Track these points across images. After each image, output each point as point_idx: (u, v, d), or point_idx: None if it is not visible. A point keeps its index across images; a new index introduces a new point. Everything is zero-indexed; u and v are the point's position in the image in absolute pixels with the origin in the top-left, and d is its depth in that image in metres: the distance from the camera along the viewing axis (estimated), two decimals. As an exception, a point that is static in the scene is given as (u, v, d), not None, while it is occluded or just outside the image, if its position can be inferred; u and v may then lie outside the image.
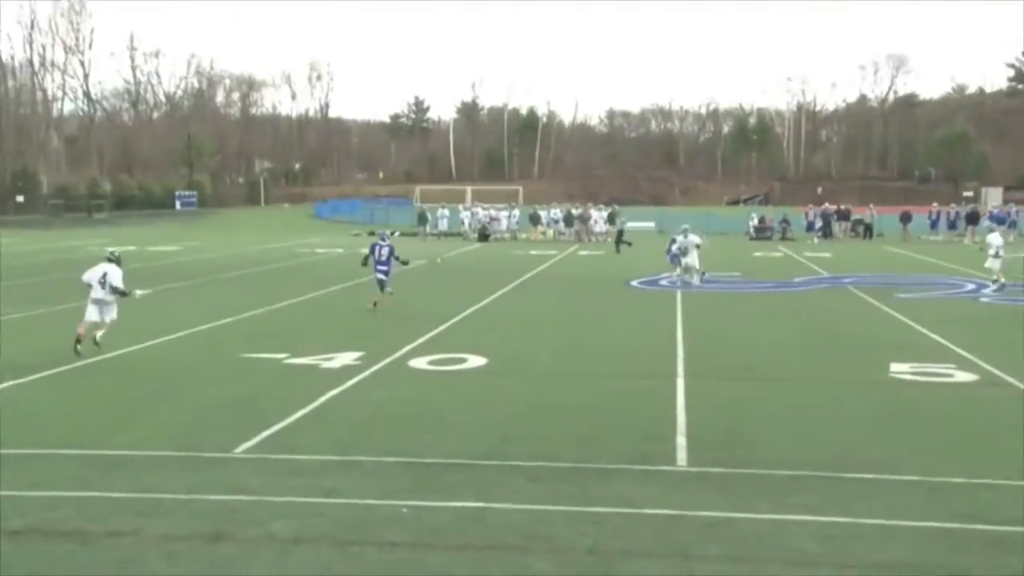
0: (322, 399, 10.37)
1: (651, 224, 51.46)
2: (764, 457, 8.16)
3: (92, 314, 13.34)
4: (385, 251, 18.49)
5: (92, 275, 13.40)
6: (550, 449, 8.42)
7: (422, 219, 46.81)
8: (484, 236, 44.18)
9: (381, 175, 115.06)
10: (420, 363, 12.49)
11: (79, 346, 12.95)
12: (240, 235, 49.97)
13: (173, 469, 7.83)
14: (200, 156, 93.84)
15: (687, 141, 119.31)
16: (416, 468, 7.88)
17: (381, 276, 18.31)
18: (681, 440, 8.67)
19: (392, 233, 24.04)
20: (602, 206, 48.25)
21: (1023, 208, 47.43)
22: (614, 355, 13.27)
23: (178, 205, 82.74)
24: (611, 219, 43.86)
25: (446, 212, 47.33)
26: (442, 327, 15.88)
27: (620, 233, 36.63)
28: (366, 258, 18.94)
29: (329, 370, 12.04)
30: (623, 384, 11.27)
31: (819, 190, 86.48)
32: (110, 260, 13.61)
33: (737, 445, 8.54)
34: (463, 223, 46.41)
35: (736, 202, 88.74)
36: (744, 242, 43.42)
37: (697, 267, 21.92)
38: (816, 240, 40.32)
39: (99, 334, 13.28)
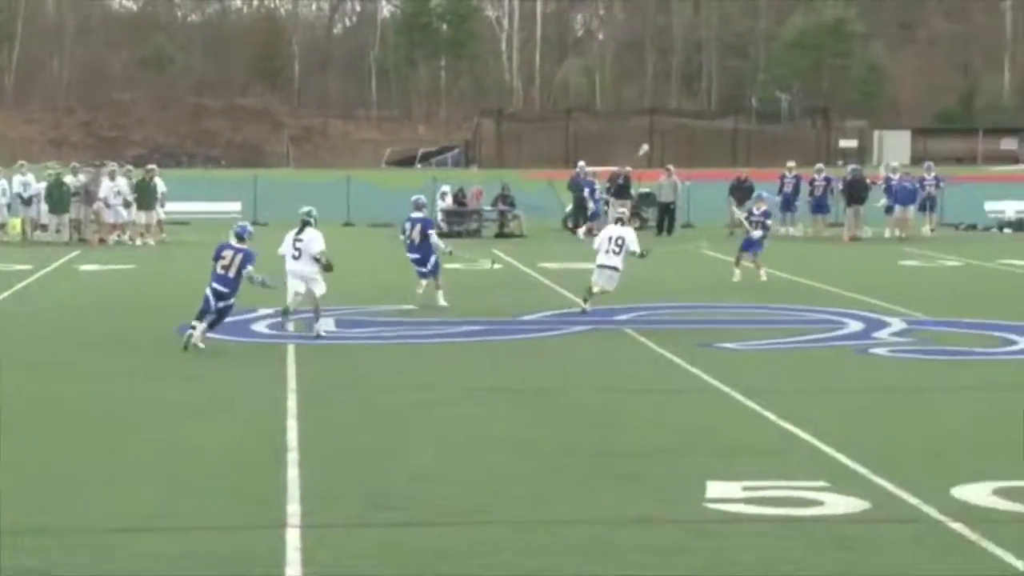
0: None
1: (236, 206, 52.38)
2: None
3: None
4: None
5: None
6: None
7: None
8: None
9: None
10: None
11: None
12: None
13: None
14: None
15: (307, 37, 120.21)
16: None
17: None
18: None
19: None
20: (130, 168, 48.12)
21: (946, 175, 51.14)
22: (138, 485, 13.35)
23: None
24: (142, 194, 43.99)
25: None
26: None
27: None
28: None
29: None
30: (166, 546, 11.24)
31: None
32: None
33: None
34: None
35: (409, 161, 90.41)
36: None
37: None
38: (580, 234, 42.18)
39: None
